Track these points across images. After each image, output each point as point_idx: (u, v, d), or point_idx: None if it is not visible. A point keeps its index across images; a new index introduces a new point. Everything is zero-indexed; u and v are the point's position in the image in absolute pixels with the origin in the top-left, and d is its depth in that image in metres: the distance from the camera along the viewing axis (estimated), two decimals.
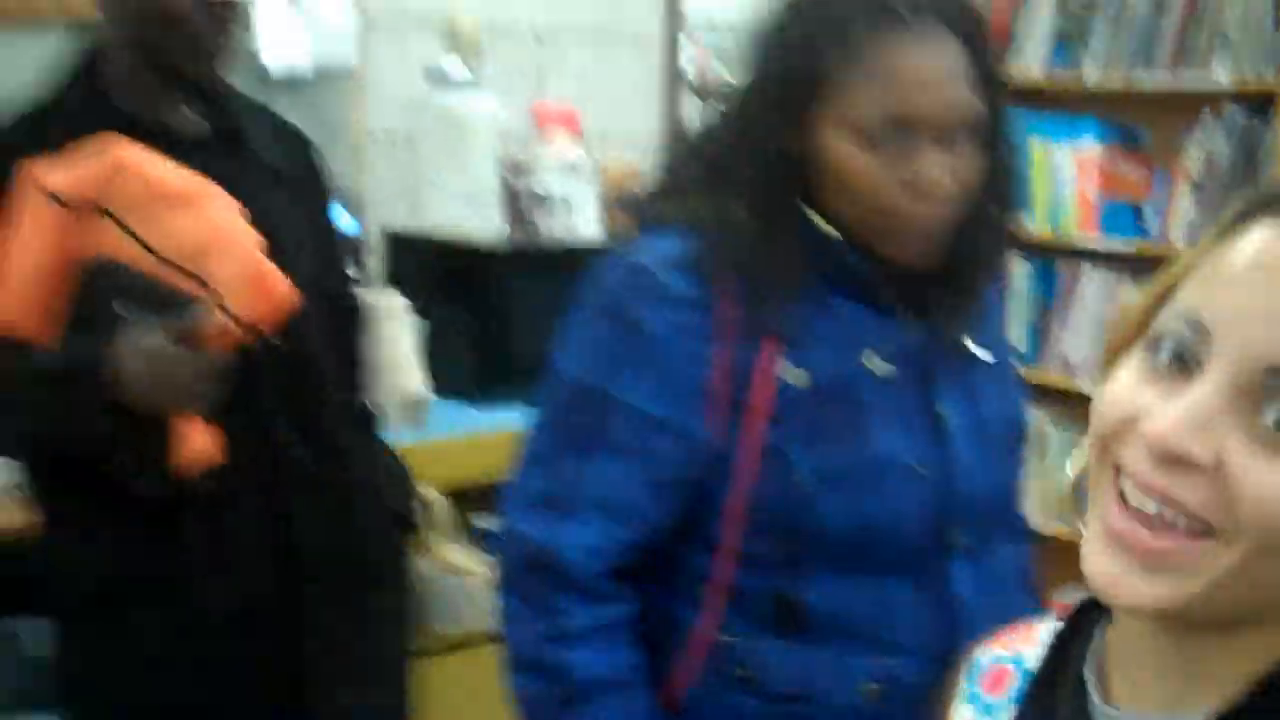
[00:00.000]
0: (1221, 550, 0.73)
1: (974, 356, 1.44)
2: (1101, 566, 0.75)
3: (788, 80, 1.33)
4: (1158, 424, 0.72)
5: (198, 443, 1.65)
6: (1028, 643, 0.90)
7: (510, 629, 1.45)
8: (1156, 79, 3.18)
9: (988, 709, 0.91)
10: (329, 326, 1.86)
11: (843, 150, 1.31)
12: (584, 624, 1.40)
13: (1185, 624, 0.76)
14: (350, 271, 2.37)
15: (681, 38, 3.66)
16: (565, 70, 3.47)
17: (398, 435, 2.66)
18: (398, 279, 2.95)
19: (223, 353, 1.60)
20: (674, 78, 3.66)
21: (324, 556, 1.84)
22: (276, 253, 1.68)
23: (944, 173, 1.32)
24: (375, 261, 3.04)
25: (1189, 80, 3.12)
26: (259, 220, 1.70)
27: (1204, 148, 3.16)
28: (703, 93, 3.61)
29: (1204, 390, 0.73)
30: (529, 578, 1.41)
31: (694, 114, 3.49)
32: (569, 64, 3.48)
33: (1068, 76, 3.35)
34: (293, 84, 3.01)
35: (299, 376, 1.79)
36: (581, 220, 2.98)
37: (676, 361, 1.35)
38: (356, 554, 1.88)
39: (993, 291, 1.51)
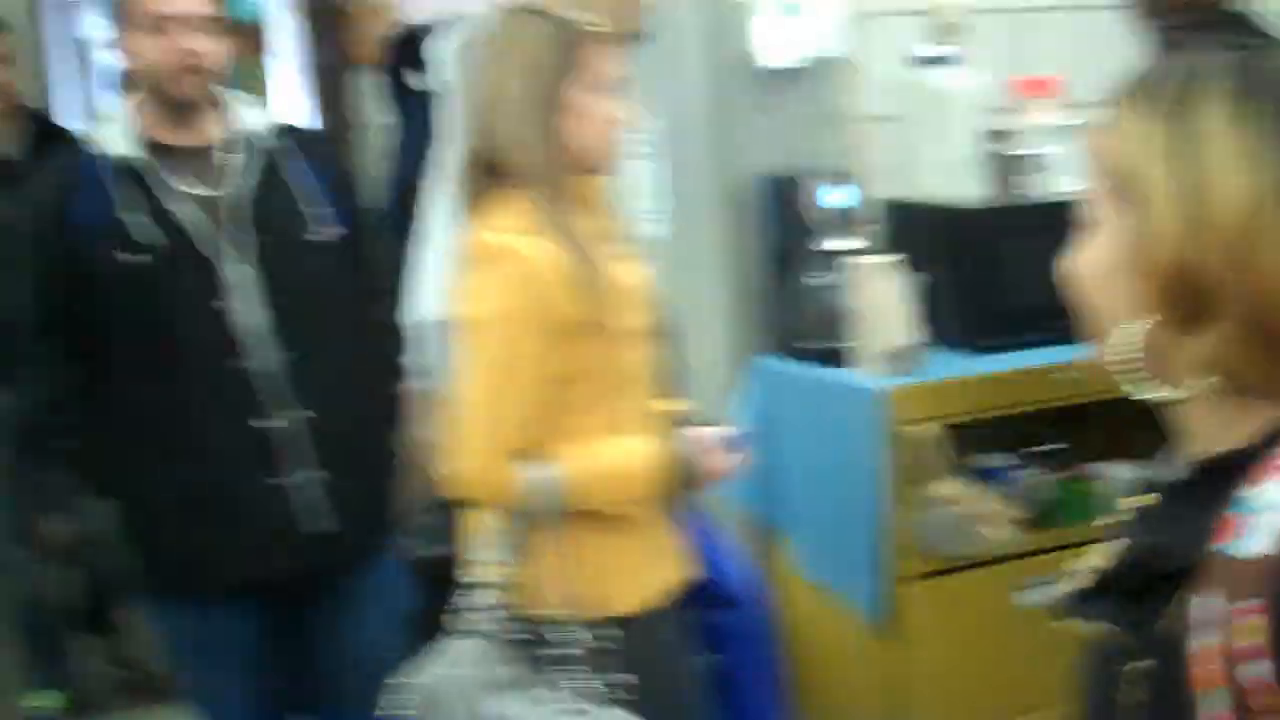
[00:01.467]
0: None
1: None
2: None
3: None
4: None
5: None
6: None
7: None
8: None
9: None
10: None
11: None
12: None
13: None
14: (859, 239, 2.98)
15: None
16: (1041, 44, 3.67)
17: (890, 380, 3.00)
18: (896, 243, 3.25)
19: None
20: None
21: None
22: None
23: None
24: (876, 228, 3.35)
25: None
26: None
27: None
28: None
29: None
30: None
31: None
32: (1045, 38, 3.68)
33: None
34: (788, 75, 3.39)
35: None
36: (1060, 178, 3.18)
37: None
38: None
39: None
